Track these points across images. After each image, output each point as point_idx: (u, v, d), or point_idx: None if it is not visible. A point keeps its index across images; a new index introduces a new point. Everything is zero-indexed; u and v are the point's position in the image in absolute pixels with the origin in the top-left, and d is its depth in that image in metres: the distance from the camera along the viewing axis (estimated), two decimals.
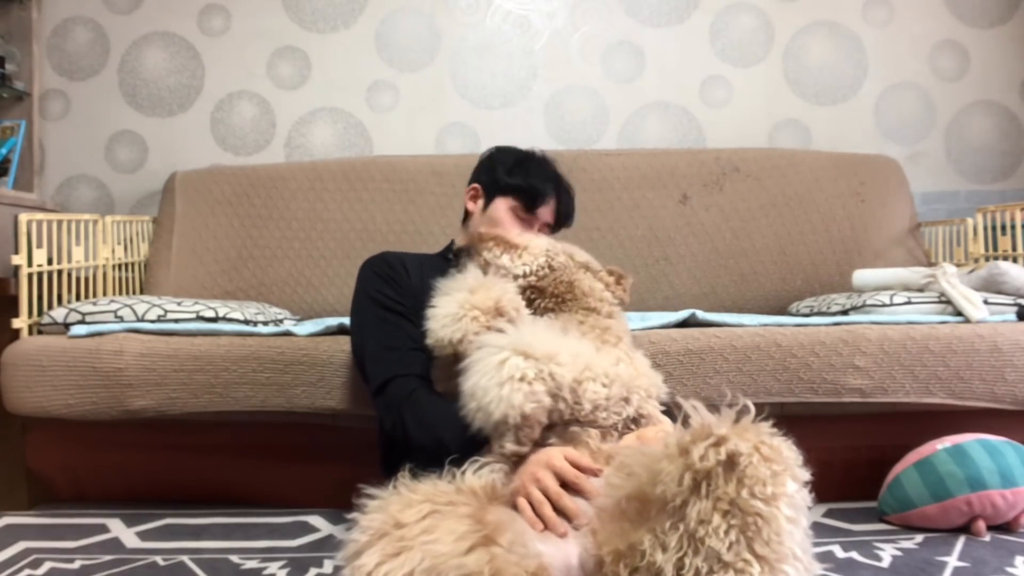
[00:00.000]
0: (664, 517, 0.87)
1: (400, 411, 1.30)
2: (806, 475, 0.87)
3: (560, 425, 1.15)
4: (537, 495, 1.03)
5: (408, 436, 1.28)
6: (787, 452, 0.87)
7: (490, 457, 1.12)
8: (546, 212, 1.59)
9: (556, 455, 1.08)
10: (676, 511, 0.86)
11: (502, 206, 1.57)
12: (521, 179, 1.58)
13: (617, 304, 1.40)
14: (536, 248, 1.40)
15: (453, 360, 1.23)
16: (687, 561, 0.83)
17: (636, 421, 1.19)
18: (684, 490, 0.85)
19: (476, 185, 1.63)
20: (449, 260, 1.54)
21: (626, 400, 1.18)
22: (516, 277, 1.36)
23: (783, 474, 0.84)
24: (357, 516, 0.96)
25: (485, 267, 1.38)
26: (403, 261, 1.50)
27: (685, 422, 0.92)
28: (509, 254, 1.38)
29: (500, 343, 1.11)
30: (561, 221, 1.63)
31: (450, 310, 1.22)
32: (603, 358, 1.20)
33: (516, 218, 1.56)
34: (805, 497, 0.87)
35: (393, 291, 1.43)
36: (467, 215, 1.67)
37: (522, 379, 1.06)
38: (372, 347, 1.41)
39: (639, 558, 0.87)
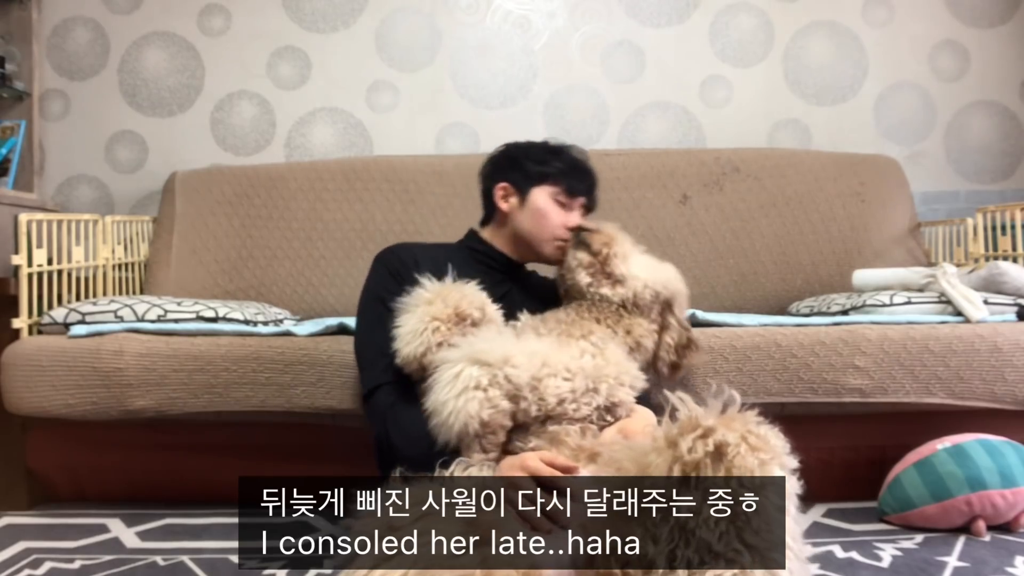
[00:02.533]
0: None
1: (384, 422, 1.31)
2: (794, 463, 0.88)
3: (535, 424, 1.17)
4: (514, 496, 1.03)
5: (392, 446, 1.29)
6: (774, 441, 0.88)
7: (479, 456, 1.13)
8: (581, 196, 1.56)
9: (530, 457, 1.09)
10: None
11: (542, 196, 1.52)
12: (561, 164, 1.54)
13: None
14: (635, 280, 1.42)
15: (422, 375, 1.24)
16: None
17: (609, 410, 1.21)
18: (673, 482, 0.86)
19: (505, 184, 1.55)
20: (469, 251, 1.55)
21: (594, 391, 1.20)
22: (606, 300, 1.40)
23: (771, 463, 0.85)
24: (351, 519, 0.97)
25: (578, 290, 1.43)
26: (415, 256, 1.47)
27: (672, 415, 0.93)
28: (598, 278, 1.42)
29: (455, 356, 1.14)
30: (594, 202, 1.60)
31: (411, 326, 1.24)
32: (563, 353, 1.22)
33: (557, 204, 1.52)
34: (794, 485, 0.87)
35: (399, 289, 1.40)
36: (493, 214, 1.60)
37: (477, 387, 1.10)
38: (367, 350, 1.41)
39: (631, 551, 0.87)
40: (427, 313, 1.24)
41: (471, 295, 1.29)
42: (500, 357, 1.12)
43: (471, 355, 1.13)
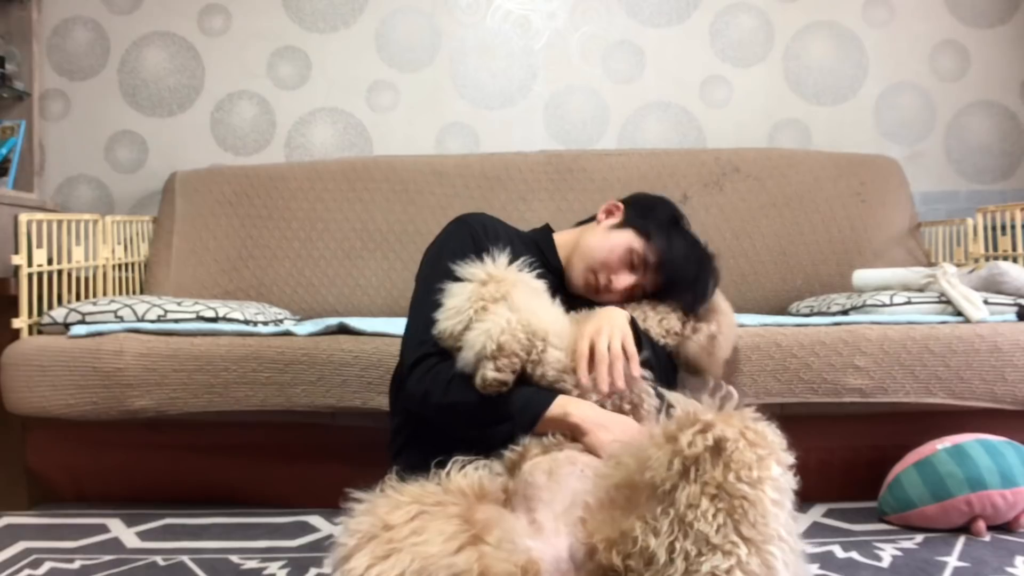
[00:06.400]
0: (654, 503, 0.88)
1: (437, 375, 1.24)
2: (790, 459, 0.89)
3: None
4: (602, 351, 1.18)
5: (448, 388, 1.22)
6: (771, 436, 0.89)
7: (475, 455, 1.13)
8: (652, 276, 1.44)
9: (627, 330, 1.22)
10: (665, 496, 0.87)
11: (625, 238, 1.43)
12: (663, 241, 1.43)
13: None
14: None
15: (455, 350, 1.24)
16: (678, 545, 0.84)
17: (610, 396, 1.24)
18: (673, 475, 0.87)
19: (619, 204, 1.51)
20: (535, 245, 1.50)
21: None
22: None
23: (768, 458, 0.87)
24: (346, 519, 0.97)
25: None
26: (497, 230, 1.42)
27: (668, 412, 0.94)
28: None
29: (495, 310, 1.22)
30: (692, 305, 1.44)
31: (458, 303, 1.24)
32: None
33: (627, 256, 1.42)
34: (789, 480, 0.88)
35: (471, 256, 1.32)
36: (588, 221, 1.56)
37: (505, 320, 1.17)
38: (419, 319, 1.31)
39: (631, 544, 0.88)
40: (477, 293, 1.24)
41: (525, 282, 1.27)
42: (528, 309, 1.20)
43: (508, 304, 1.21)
